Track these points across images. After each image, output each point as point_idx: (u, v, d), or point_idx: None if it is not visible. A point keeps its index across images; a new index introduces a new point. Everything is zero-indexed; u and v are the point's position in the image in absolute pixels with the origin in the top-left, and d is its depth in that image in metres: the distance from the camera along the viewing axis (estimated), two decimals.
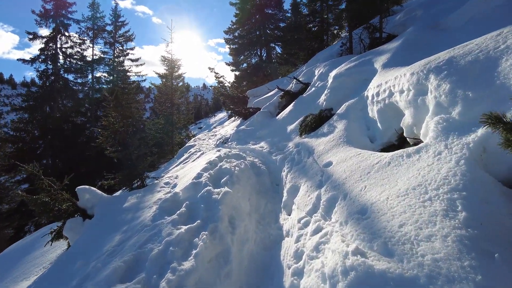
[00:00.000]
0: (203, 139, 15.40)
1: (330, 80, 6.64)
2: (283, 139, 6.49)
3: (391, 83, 3.97)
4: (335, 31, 20.09)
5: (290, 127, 6.85)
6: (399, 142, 4.11)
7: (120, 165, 5.76)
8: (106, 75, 29.29)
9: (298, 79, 8.70)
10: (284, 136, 6.69)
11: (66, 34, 25.62)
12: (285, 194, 4.24)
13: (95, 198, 4.53)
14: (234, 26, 26.30)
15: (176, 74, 15.59)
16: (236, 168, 4.53)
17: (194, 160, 6.87)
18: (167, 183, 5.25)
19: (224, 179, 4.02)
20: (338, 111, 5.47)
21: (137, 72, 30.11)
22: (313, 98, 7.15)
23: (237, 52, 26.33)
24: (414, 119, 3.36)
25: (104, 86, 28.61)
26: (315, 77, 8.00)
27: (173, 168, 7.64)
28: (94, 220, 4.10)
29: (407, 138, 3.61)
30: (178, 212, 3.30)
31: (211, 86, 18.62)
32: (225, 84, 16.43)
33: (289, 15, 25.15)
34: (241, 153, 6.25)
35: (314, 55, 13.81)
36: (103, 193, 4.71)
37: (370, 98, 4.65)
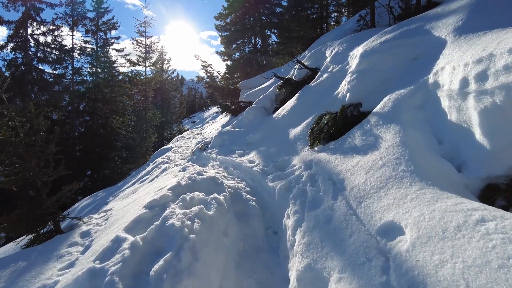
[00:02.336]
0: (188, 138, 13.24)
1: (354, 60, 4.43)
2: (284, 151, 4.29)
3: None
4: (333, 23, 18.24)
5: (293, 131, 4.65)
6: None
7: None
8: (88, 66, 26.38)
9: (302, 63, 6.46)
10: (285, 145, 4.49)
11: (38, 19, 22.84)
12: (294, 281, 2.06)
13: None
14: (226, 11, 23.69)
15: (152, 60, 13.01)
16: (196, 222, 2.31)
17: (151, 180, 4.65)
18: (85, 235, 3.06)
19: (159, 265, 1.81)
20: (377, 109, 3.28)
21: (123, 63, 27.31)
22: (326, 88, 4.94)
23: (229, 40, 23.76)
24: None
25: (86, 78, 26.00)
26: (327, 59, 5.76)
27: (127, 187, 5.41)
28: None
29: None
30: None
31: (199, 77, 16.31)
32: (214, 74, 14.13)
33: (285, 3, 22.66)
34: (219, 172, 4.09)
35: (315, 41, 11.51)
36: None
37: (451, 86, 2.47)
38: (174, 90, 33.44)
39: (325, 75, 5.38)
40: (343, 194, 2.45)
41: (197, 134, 13.11)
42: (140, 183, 5.08)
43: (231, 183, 3.79)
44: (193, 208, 2.50)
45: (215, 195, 2.95)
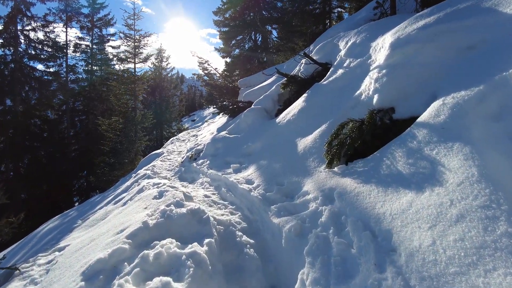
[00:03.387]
0: (183, 140, 12.37)
1: (381, 52, 3.47)
2: (292, 168, 3.35)
3: None
4: (335, 18, 17.37)
5: (303, 142, 3.70)
6: None
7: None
8: (84, 63, 25.37)
9: (310, 57, 5.48)
10: (292, 159, 3.54)
11: (29, 14, 21.85)
12: None
13: None
14: (225, 6, 22.74)
15: (142, 56, 11.95)
16: None
17: (125, 203, 3.72)
18: None
19: None
20: (425, 118, 2.33)
21: (119, 62, 26.24)
22: (343, 88, 3.99)
23: (228, 37, 22.80)
24: None
25: (82, 76, 25.12)
26: (341, 52, 4.79)
27: (101, 207, 4.49)
28: None
29: None
30: None
31: (197, 74, 15.37)
32: (211, 72, 13.18)
33: None
34: (208, 195, 3.18)
35: (322, 35, 10.50)
36: None
37: None
38: (174, 88, 32.60)
39: (340, 71, 4.42)
40: (394, 263, 1.51)
41: (193, 136, 12.22)
42: (114, 204, 4.17)
43: (222, 215, 2.86)
44: (153, 282, 1.57)
45: (195, 246, 2.01)
